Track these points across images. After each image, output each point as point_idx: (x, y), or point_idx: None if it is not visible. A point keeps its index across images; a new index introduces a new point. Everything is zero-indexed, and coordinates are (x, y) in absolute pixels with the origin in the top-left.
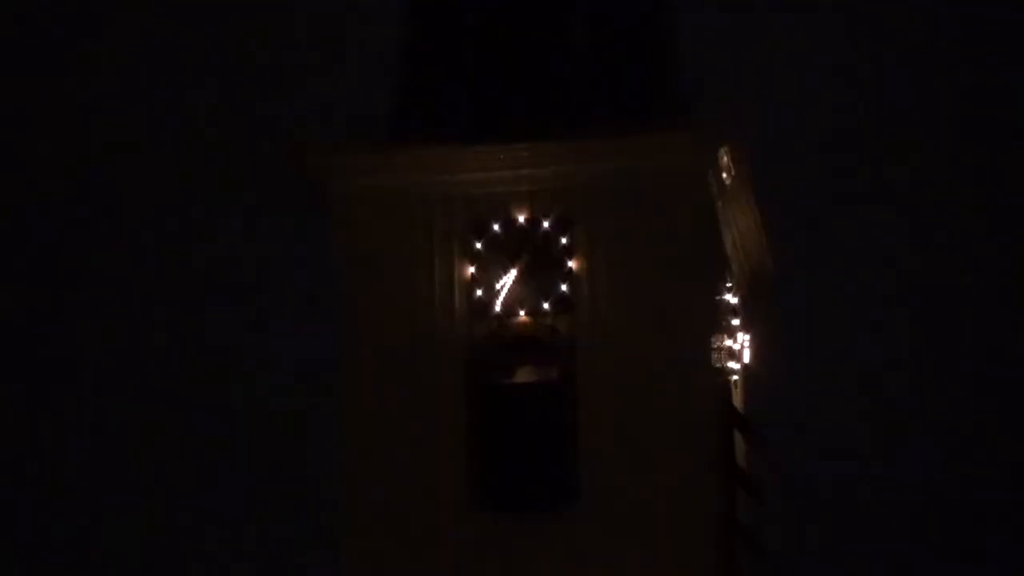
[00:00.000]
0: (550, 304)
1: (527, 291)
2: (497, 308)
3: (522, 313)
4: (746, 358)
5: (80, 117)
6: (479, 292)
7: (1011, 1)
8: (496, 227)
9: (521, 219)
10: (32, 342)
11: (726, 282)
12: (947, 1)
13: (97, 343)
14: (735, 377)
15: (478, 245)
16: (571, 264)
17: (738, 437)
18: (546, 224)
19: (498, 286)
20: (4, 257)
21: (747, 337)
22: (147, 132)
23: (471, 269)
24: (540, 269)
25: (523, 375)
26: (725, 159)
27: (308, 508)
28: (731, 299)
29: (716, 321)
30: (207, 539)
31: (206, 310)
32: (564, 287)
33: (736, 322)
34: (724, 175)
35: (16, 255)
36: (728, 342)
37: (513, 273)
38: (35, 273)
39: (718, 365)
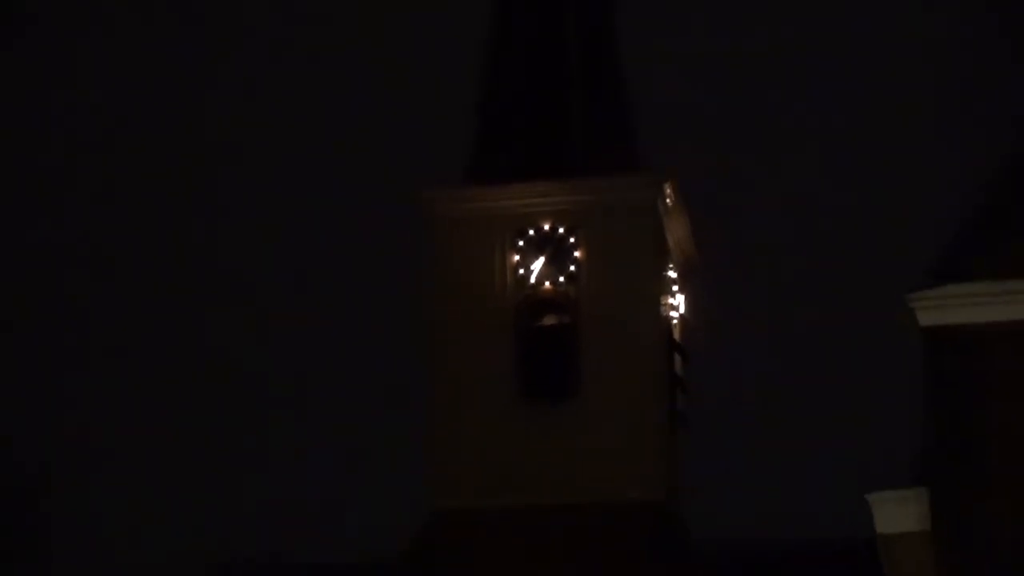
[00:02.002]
0: (563, 278)
1: (549, 271)
2: (532, 280)
3: (546, 283)
4: (681, 309)
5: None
6: (521, 271)
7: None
8: (531, 232)
9: (546, 227)
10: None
11: (669, 263)
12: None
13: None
14: (675, 321)
15: (520, 243)
16: (576, 254)
17: (676, 357)
18: (561, 230)
19: (532, 268)
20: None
21: (682, 297)
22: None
23: (516, 257)
24: (557, 257)
25: (547, 320)
26: (668, 190)
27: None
28: (672, 275)
29: (663, 288)
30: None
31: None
32: (572, 268)
33: (675, 288)
34: (667, 200)
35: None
36: (671, 300)
37: (541, 260)
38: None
39: (664, 314)
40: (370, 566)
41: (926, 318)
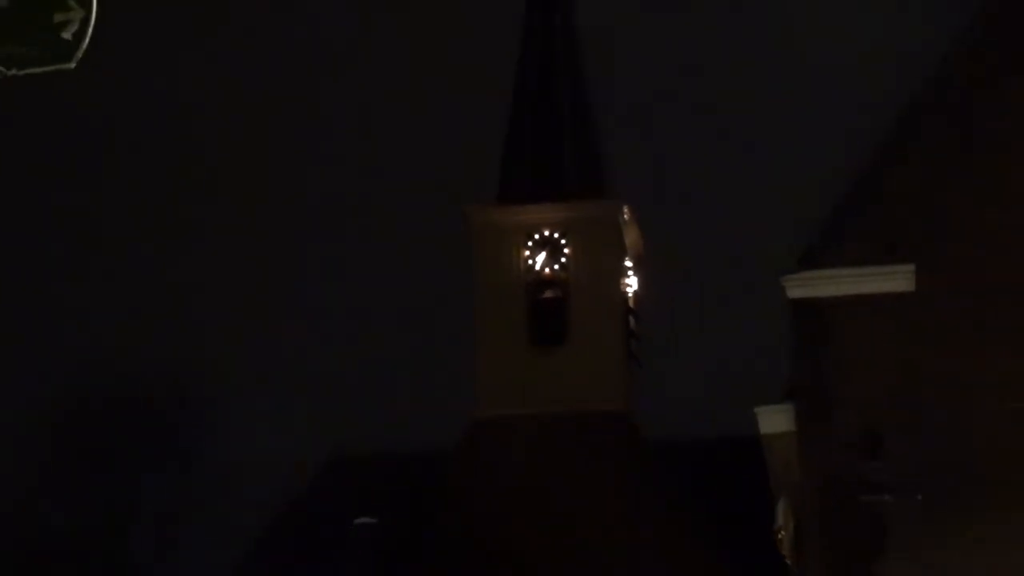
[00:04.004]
0: (558, 267)
1: (549, 262)
2: (537, 268)
3: (547, 270)
4: (634, 287)
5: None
6: (530, 262)
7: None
8: (537, 236)
9: (547, 233)
10: None
11: (627, 255)
12: None
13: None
14: (630, 294)
15: (530, 243)
16: (566, 251)
17: (631, 318)
18: (556, 235)
19: (538, 259)
20: None
21: (635, 278)
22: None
23: (527, 252)
24: (554, 253)
25: (547, 294)
26: (625, 210)
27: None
28: (629, 264)
29: (622, 273)
30: None
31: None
32: (563, 260)
33: (631, 272)
34: (625, 216)
35: None
36: (627, 281)
37: (543, 254)
38: None
39: (623, 290)
40: (435, 454)
41: (793, 293)
